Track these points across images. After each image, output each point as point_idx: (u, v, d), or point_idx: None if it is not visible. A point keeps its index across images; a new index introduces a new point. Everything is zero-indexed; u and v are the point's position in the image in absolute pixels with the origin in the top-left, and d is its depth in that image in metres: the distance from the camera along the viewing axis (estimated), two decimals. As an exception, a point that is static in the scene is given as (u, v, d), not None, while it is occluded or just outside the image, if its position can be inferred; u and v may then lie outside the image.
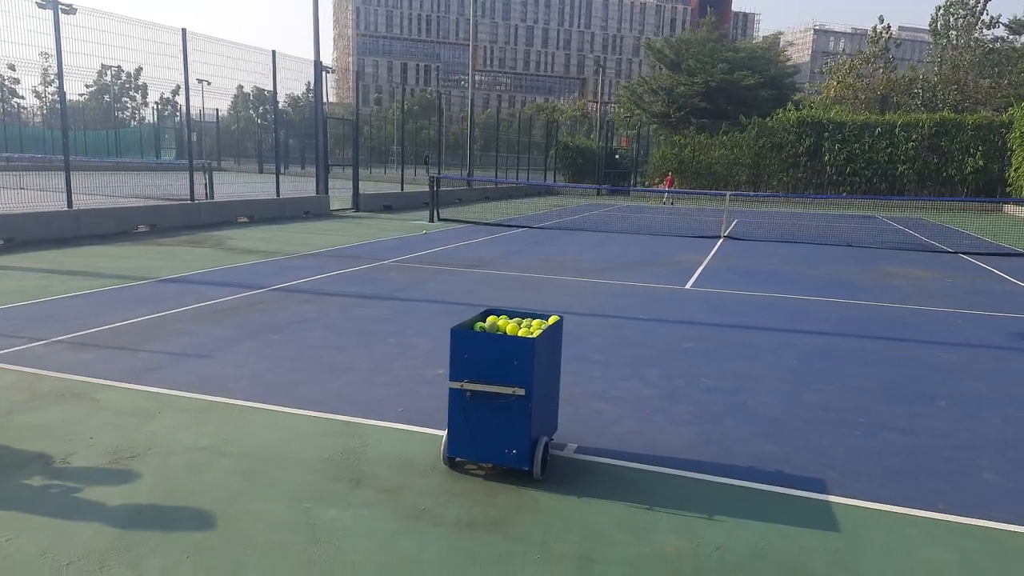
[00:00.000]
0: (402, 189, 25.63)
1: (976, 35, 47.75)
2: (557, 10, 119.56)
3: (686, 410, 4.98)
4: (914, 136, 35.86)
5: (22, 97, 54.34)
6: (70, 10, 13.13)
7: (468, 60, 34.37)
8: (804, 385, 5.65)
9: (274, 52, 18.36)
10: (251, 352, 6.02)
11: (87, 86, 51.86)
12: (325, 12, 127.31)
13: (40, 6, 12.80)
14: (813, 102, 46.70)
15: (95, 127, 51.88)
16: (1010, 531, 3.44)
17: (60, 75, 13.24)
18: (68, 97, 14.10)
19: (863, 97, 49.31)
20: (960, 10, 48.22)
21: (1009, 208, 31.82)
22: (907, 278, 11.69)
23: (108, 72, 55.85)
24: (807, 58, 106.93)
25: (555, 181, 41.50)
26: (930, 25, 50.04)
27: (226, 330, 6.73)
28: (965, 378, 6.01)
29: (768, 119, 38.84)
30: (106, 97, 56.95)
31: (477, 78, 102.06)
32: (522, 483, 3.77)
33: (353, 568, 2.95)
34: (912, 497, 3.76)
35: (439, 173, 24.24)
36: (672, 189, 33.98)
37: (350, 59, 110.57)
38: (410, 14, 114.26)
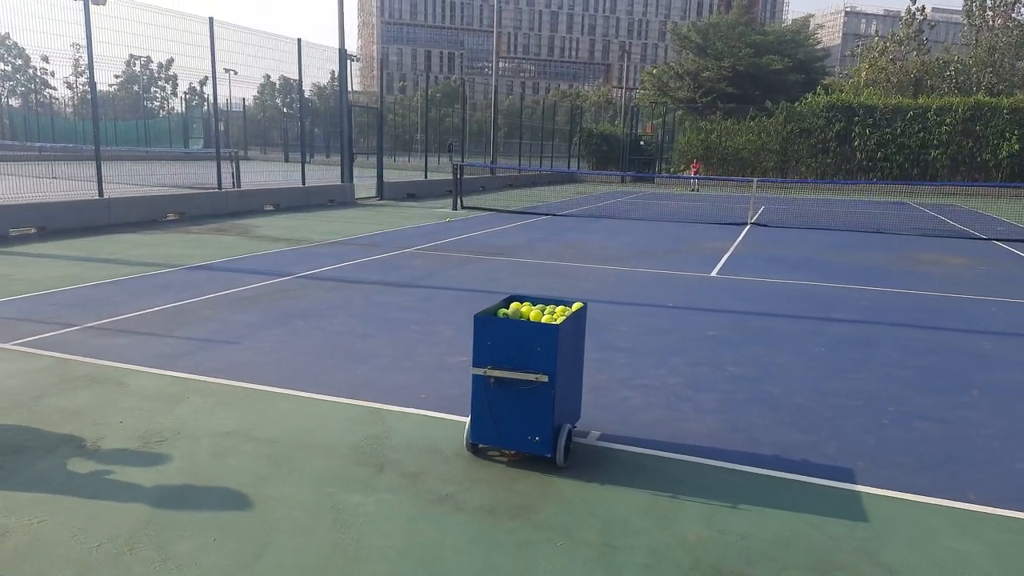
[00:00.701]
0: (426, 177, 25.67)
1: (1014, 16, 46.32)
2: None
3: (711, 398, 4.93)
4: (948, 120, 35.01)
5: (54, 88, 55.32)
6: (100, 1, 13.29)
7: (492, 47, 34.21)
8: (832, 373, 5.56)
9: (299, 40, 18.44)
10: (277, 338, 6.08)
11: (116, 76, 52.68)
12: (350, 0, 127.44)
13: (71, -3, 12.98)
14: (843, 86, 45.79)
15: (124, 117, 52.69)
16: (1045, 523, 3.35)
17: (91, 65, 13.43)
18: (98, 87, 14.30)
19: (895, 81, 48.15)
20: (997, -10, 46.80)
21: (1047, 194, 30.97)
22: (939, 265, 11.44)
23: (137, 62, 56.64)
24: (838, 41, 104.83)
25: (579, 168, 41.28)
26: (964, 6, 48.66)
27: (252, 317, 6.80)
28: (998, 367, 5.87)
29: (797, 104, 38.18)
30: (135, 87, 57.74)
31: (501, 65, 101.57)
32: (545, 470, 3.76)
33: (377, 552, 2.97)
34: (942, 487, 3.68)
35: (463, 161, 24.22)
36: (698, 175, 33.66)
37: (374, 47, 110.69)
38: (434, 1, 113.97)
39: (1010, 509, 3.47)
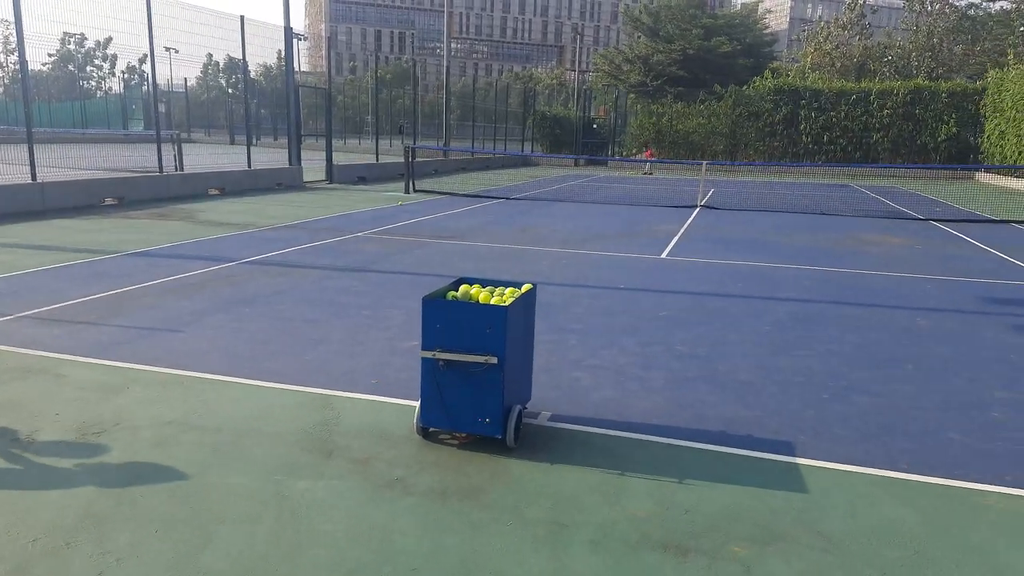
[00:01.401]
0: (377, 160, 25.32)
1: (951, 1, 47.85)
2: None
3: (660, 376, 5.01)
4: (889, 104, 36.05)
5: (-19, 67, 52.57)
6: (27, -26, 12.63)
7: (443, 27, 33.79)
8: (777, 351, 5.71)
9: (242, 17, 17.88)
10: (221, 325, 5.94)
11: (49, 55, 50.25)
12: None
13: (-5, -30, 12.31)
14: (790, 70, 46.73)
15: (60, 98, 50.45)
16: (973, 489, 3.51)
17: (20, 43, 12.80)
18: (30, 66, 13.63)
19: (839, 65, 49.38)
20: (935, -24, 48.24)
21: (981, 175, 32.26)
22: (879, 245, 11.83)
23: (71, 40, 54.20)
24: (785, 25, 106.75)
25: (533, 151, 41.25)
26: (905, -8, 50.06)
27: (196, 304, 6.63)
28: (933, 342, 6.11)
29: (745, 87, 38.79)
30: (70, 66, 55.30)
31: (453, 46, 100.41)
32: (495, 451, 3.78)
33: (325, 538, 2.94)
34: (878, 458, 3.83)
35: (415, 143, 23.95)
36: (652, 159, 34.05)
37: (323, 26, 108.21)
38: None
39: (940, 477, 3.63)
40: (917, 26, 48.12)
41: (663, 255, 10.29)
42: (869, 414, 4.44)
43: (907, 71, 45.55)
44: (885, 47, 49.61)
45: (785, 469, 3.68)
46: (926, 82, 37.26)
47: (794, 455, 3.83)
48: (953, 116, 35.19)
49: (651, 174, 33.60)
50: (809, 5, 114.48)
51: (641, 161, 34.61)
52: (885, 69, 47.10)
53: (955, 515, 3.27)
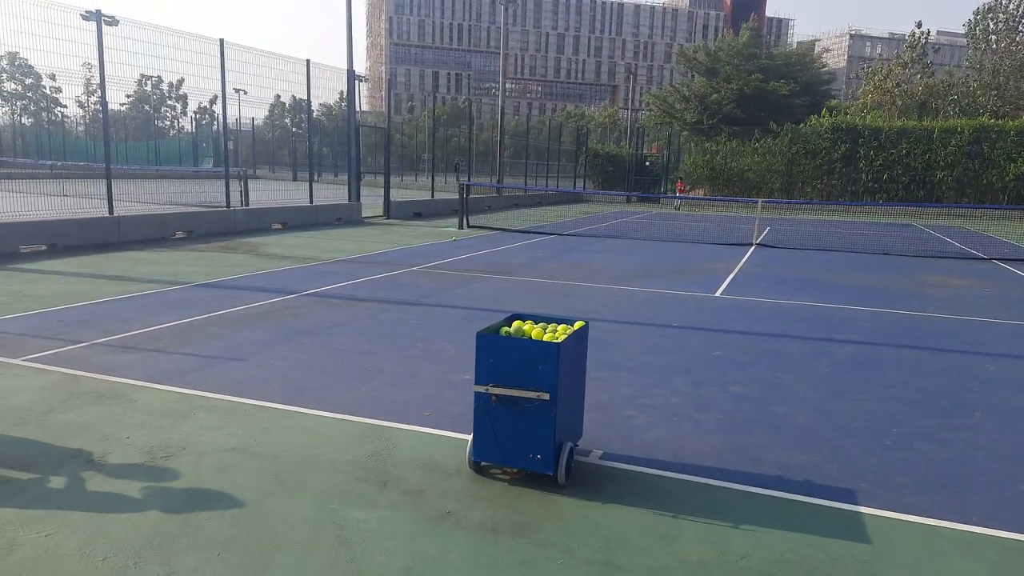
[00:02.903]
0: (432, 196, 25.84)
1: (1017, 39, 46.59)
2: (588, 17, 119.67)
3: (714, 418, 4.94)
4: (953, 142, 35.08)
5: (65, 106, 55.96)
6: (112, 21, 13.54)
7: (499, 68, 34.57)
8: (836, 394, 5.56)
9: (308, 61, 18.69)
10: (283, 355, 6.12)
11: (127, 96, 53.20)
12: (358, 21, 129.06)
13: (84, 18, 13.22)
14: (849, 108, 45.98)
15: (135, 136, 53.23)
16: (1048, 546, 3.35)
17: (103, 85, 13.65)
18: (109, 107, 14.51)
19: (900, 103, 48.39)
20: (1000, 14, 47.13)
21: (1053, 216, 30.92)
22: (943, 287, 11.44)
23: (148, 82, 57.34)
24: (843, 63, 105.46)
25: (585, 188, 41.45)
26: (967, 30, 48.97)
27: (258, 334, 6.85)
28: (1000, 388, 5.86)
29: (802, 125, 38.35)
30: (146, 107, 58.41)
31: (508, 86, 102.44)
32: (546, 488, 3.78)
33: (378, 569, 2.99)
34: (945, 509, 3.68)
35: (469, 180, 24.38)
36: (682, 195, 34.22)
37: (383, 68, 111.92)
38: (442, 23, 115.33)
39: (1012, 531, 3.47)
40: (982, 64, 46.92)
41: (717, 293, 10.17)
42: (935, 463, 4.28)
43: (972, 109, 44.31)
44: (948, 85, 48.42)
45: (846, 517, 3.57)
46: (992, 121, 36.16)
47: (855, 503, 3.72)
48: (1022, 155, 33.99)
49: (679, 210, 33.54)
50: (868, 44, 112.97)
51: (672, 197, 34.69)
52: (949, 107, 45.92)
53: (1029, 572, 3.12)
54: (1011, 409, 5.34)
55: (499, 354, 3.79)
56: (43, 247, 12.32)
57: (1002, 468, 4.23)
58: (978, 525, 3.53)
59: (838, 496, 3.80)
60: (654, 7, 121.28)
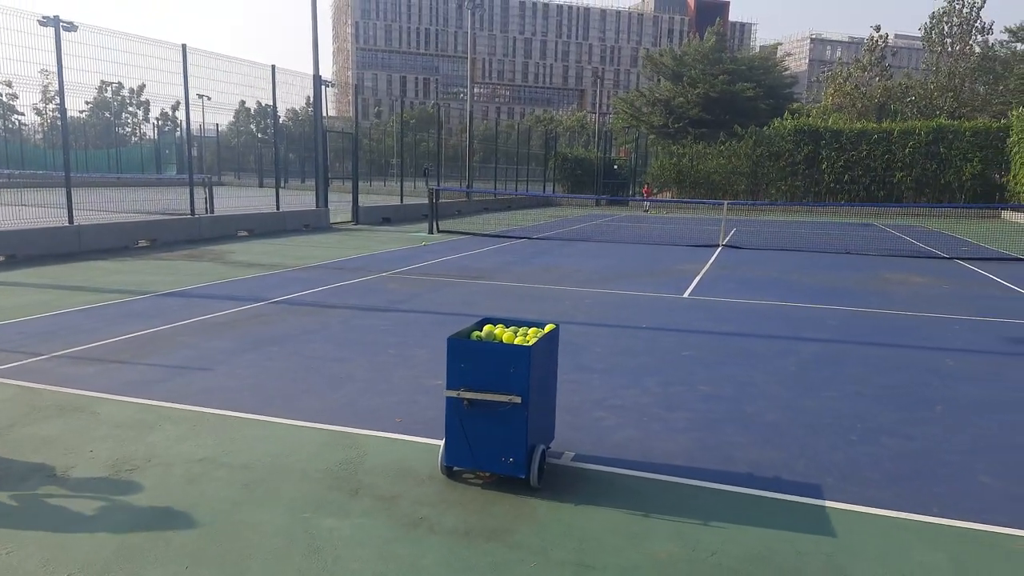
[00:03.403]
0: (401, 201, 25.73)
1: (971, 42, 48.00)
2: (555, 22, 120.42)
3: (684, 417, 5.00)
4: (911, 143, 36.00)
5: (22, 114, 54.59)
6: (71, 27, 13.25)
7: (467, 73, 34.57)
8: (803, 392, 5.67)
9: (273, 67, 18.50)
10: (251, 364, 6.05)
11: (87, 103, 52.14)
12: (324, 26, 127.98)
13: (42, 23, 12.92)
14: (811, 111, 46.91)
15: (96, 144, 52.11)
16: (1006, 534, 3.45)
17: (61, 92, 13.35)
18: (68, 113, 14.19)
19: (860, 106, 49.52)
20: (954, 18, 48.52)
21: (1007, 214, 31.89)
22: (904, 285, 11.73)
23: (108, 88, 56.18)
24: (804, 67, 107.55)
25: (554, 192, 41.64)
26: (923, 34, 50.32)
27: (226, 343, 6.76)
28: (960, 383, 6.03)
29: (765, 128, 39.03)
30: (106, 113, 57.24)
31: (476, 90, 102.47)
32: (519, 491, 3.79)
33: (351, 576, 2.97)
34: (908, 502, 3.77)
35: (438, 185, 24.34)
36: (649, 198, 34.82)
37: (349, 73, 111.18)
38: (409, 27, 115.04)
39: (972, 521, 3.57)
40: (938, 67, 48.24)
41: (685, 294, 10.29)
42: (899, 457, 4.39)
43: (929, 111, 45.52)
44: (906, 87, 49.69)
45: (813, 512, 3.65)
46: (949, 121, 37.19)
47: (822, 498, 3.80)
48: (978, 155, 35.01)
49: (648, 212, 34.11)
50: (828, 47, 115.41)
51: (647, 200, 35.20)
52: (907, 109, 47.11)
53: (987, 560, 3.21)
54: (970, 403, 5.49)
55: (470, 358, 3.79)
56: (1, 258, 12.00)
57: (962, 460, 4.36)
58: (938, 516, 3.62)
59: (806, 492, 3.87)
60: (620, 11, 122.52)
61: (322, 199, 21.14)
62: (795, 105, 48.10)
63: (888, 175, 36.62)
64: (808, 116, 42.48)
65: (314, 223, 20.05)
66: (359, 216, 22.10)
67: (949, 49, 48.62)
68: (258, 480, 3.85)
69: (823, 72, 62.62)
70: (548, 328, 4.17)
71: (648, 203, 35.36)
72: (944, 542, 3.37)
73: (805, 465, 4.22)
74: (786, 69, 54.20)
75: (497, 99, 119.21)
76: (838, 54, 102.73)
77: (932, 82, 48.29)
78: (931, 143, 35.81)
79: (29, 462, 4.01)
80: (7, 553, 3.07)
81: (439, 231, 19.41)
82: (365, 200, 23.87)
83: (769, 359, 6.69)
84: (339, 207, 22.33)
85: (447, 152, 47.74)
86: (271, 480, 3.86)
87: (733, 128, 39.77)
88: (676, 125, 43.38)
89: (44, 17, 12.93)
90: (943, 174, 35.81)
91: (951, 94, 46.50)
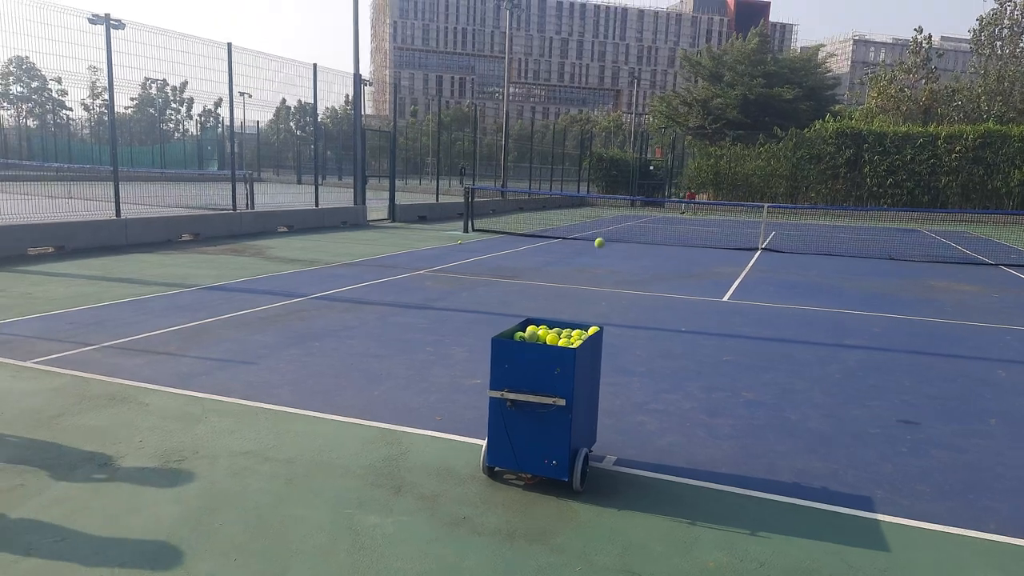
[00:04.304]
0: (437, 200, 25.86)
1: (1022, 46, 46.51)
2: (592, 22, 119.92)
3: (727, 424, 4.92)
4: (958, 148, 35.04)
5: (70, 109, 56.14)
6: (119, 25, 13.58)
7: (503, 72, 34.63)
8: (849, 400, 5.54)
9: (315, 65, 18.73)
10: (292, 359, 6.12)
11: (132, 99, 53.37)
12: (363, 26, 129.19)
13: (92, 22, 13.26)
14: (853, 113, 45.95)
15: (141, 140, 53.38)
16: (1068, 555, 3.32)
17: (111, 88, 13.68)
18: (115, 110, 14.53)
19: (904, 108, 48.32)
20: (1005, 20, 47.07)
21: (1059, 221, 30.86)
22: (951, 292, 11.41)
23: (152, 85, 57.50)
24: (847, 68, 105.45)
25: (589, 192, 41.48)
26: (972, 36, 48.91)
27: (268, 337, 6.85)
28: (1014, 395, 5.83)
29: (806, 130, 38.35)
30: (150, 109, 58.58)
31: (512, 90, 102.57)
32: (561, 494, 3.76)
33: (396, 574, 2.97)
34: (963, 516, 3.66)
35: (474, 184, 24.41)
36: (693, 200, 34.65)
37: (387, 72, 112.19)
38: (446, 27, 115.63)
39: (1032, 540, 3.44)
40: (986, 70, 46.85)
41: (725, 298, 10.15)
42: (952, 470, 4.25)
43: (976, 115, 44.22)
44: (953, 91, 48.35)
45: (864, 525, 3.55)
46: (997, 126, 36.11)
47: (873, 511, 3.69)
48: (1027, 161, 33.94)
49: (684, 214, 33.90)
50: (871, 49, 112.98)
51: (688, 202, 34.94)
52: (953, 113, 45.83)
53: (1051, 582, 3.09)
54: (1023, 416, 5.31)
55: (515, 359, 3.77)
56: (51, 249, 12.34)
57: (1018, 475, 4.21)
58: (995, 533, 3.50)
59: (855, 503, 3.77)
60: (658, 12, 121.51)
61: (360, 196, 21.34)
62: (837, 107, 47.14)
63: (933, 180, 35.70)
64: (850, 119, 41.58)
65: (351, 220, 20.24)
66: (395, 214, 22.26)
67: (999, 52, 47.18)
68: (301, 475, 3.89)
69: (866, 74, 61.26)
70: (592, 330, 4.14)
71: (688, 204, 35.18)
72: (1002, 560, 3.25)
73: (854, 476, 4.12)
74: (828, 71, 53.16)
75: (532, 99, 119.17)
76: (881, 56, 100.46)
77: (980, 85, 46.89)
78: (978, 148, 34.80)
79: (81, 450, 4.10)
80: (60, 541, 3.14)
81: (474, 230, 19.45)
82: (401, 198, 24.04)
83: (812, 366, 6.55)
84: (376, 205, 22.53)
85: (482, 151, 47.86)
86: (314, 475, 3.89)
87: (773, 130, 39.15)
88: (713, 126, 42.87)
89: (94, 15, 13.27)
90: (990, 180, 34.79)
91: (1000, 98, 45.09)
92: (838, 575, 3.09)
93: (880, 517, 3.63)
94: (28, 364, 5.73)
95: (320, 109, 20.28)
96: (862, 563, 3.19)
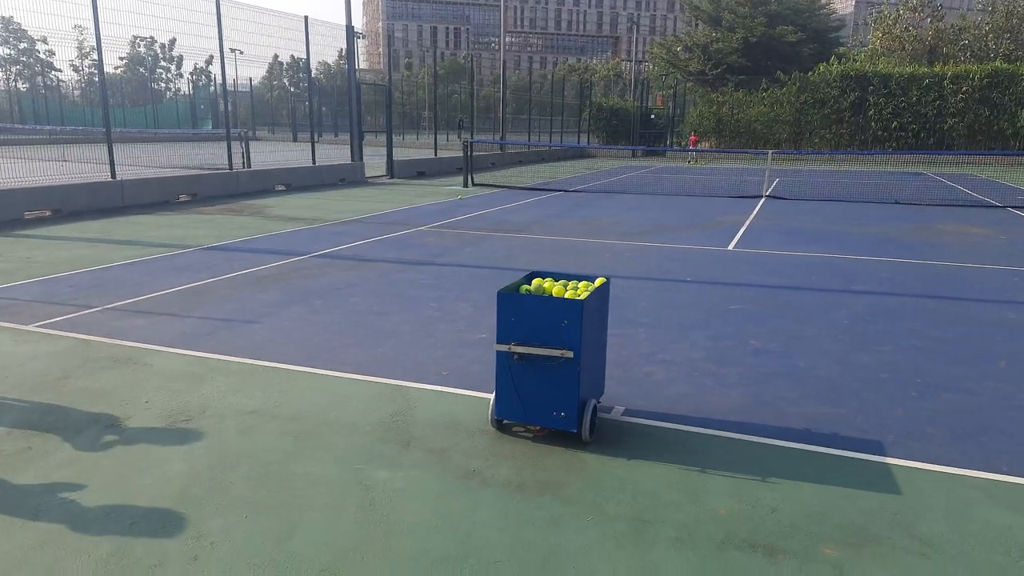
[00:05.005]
0: (435, 155, 25.52)
1: (1033, -21, 45.20)
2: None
3: (735, 372, 4.89)
4: (964, 88, 34.38)
5: (59, 70, 55.15)
6: (105, -20, 13.16)
7: (499, 21, 33.82)
8: (858, 346, 5.50)
9: (306, 18, 18.25)
10: (296, 317, 6.08)
11: (121, 58, 52.38)
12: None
13: (76, -23, 12.86)
14: (858, 55, 45.00)
15: (133, 100, 52.56)
16: (1081, 494, 3.31)
17: (99, 46, 13.35)
18: (105, 69, 14.22)
19: (910, 49, 47.25)
20: (1015, -48, 45.63)
21: (1066, 162, 30.47)
22: (958, 235, 11.29)
23: (140, 43, 56.37)
24: (851, 9, 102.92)
25: (589, 143, 40.94)
26: (982, -30, 47.52)
27: (271, 296, 6.80)
28: (1023, 336, 5.79)
29: (810, 74, 37.59)
30: (140, 69, 57.56)
31: (508, 39, 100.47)
32: (571, 445, 3.75)
33: (408, 528, 2.97)
34: (974, 458, 3.64)
35: (472, 138, 24.05)
36: (695, 148, 33.95)
37: (380, 24, 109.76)
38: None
39: (1045, 480, 3.43)
40: (994, 6, 45.64)
41: (730, 247, 10.05)
42: (963, 413, 4.23)
43: (984, 54, 43.25)
44: (959, 29, 47.19)
45: (875, 469, 3.54)
46: (1005, 65, 35.34)
47: (884, 455, 3.68)
48: (1035, 100, 33.32)
49: (693, 163, 33.37)
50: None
51: (691, 150, 34.38)
52: (960, 53, 44.83)
53: (1064, 521, 3.08)
54: (1035, 357, 5.27)
55: (521, 312, 3.71)
56: (48, 213, 12.23)
57: (1030, 417, 4.18)
58: (1007, 474, 3.49)
59: (866, 448, 3.76)
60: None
61: (357, 153, 21.05)
62: (841, 49, 46.12)
63: (939, 122, 35.13)
64: (855, 61, 40.76)
65: (349, 177, 20.01)
66: (394, 170, 22.00)
67: (1008, -14, 45.87)
68: (309, 432, 3.87)
69: (870, 14, 59.74)
70: (599, 282, 4.07)
71: (694, 152, 34.61)
72: (1017, 501, 3.24)
73: (863, 421, 4.10)
74: (832, 12, 51.83)
75: (529, 48, 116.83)
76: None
77: (987, 23, 45.74)
78: (985, 88, 34.13)
79: (87, 411, 4.09)
80: (70, 501, 3.14)
81: (474, 184, 19.23)
82: (399, 154, 23.73)
83: (820, 313, 6.50)
84: (373, 161, 22.24)
85: (479, 104, 47.09)
86: (322, 432, 3.87)
87: (775, 74, 38.39)
88: (714, 72, 42.00)
89: (78, -30, 12.86)
90: (996, 121, 34.22)
91: (1008, 36, 44.03)
92: (850, 519, 3.08)
93: (891, 461, 3.62)
94: (30, 328, 5.69)
95: (313, 64, 19.85)
96: (874, 507, 3.18)
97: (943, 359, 5.21)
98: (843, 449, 3.75)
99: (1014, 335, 5.85)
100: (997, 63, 36.33)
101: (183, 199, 14.83)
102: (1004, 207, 15.27)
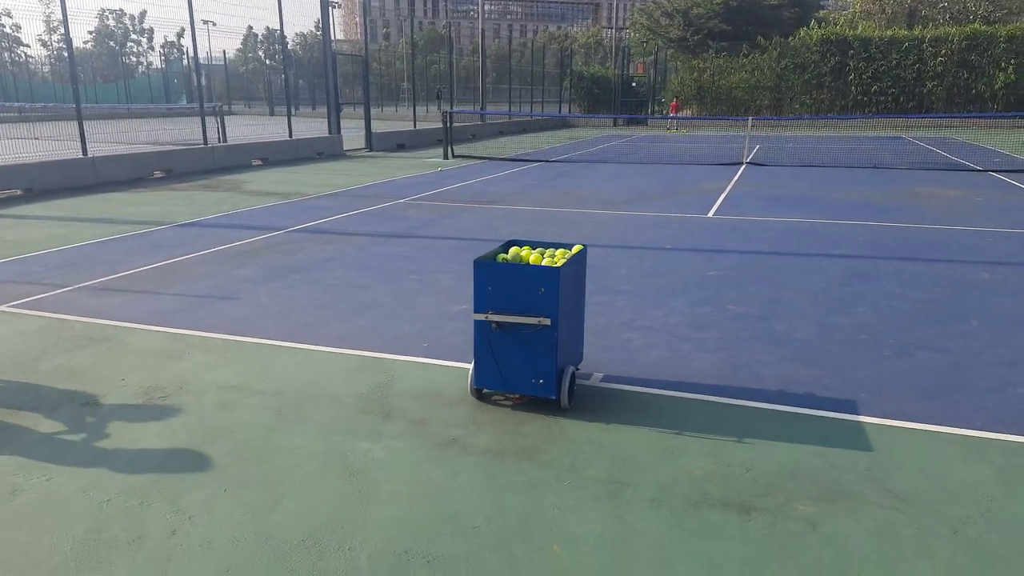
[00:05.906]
0: (415, 126, 25.24)
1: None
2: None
3: (713, 337, 4.93)
4: (943, 51, 34.41)
5: (27, 46, 53.70)
6: (67, -50, 12.76)
7: (477, -11, 33.24)
8: (834, 309, 5.56)
9: (278, -13, 17.85)
10: (275, 292, 6.03)
11: (90, 32, 51.12)
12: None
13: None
14: (837, 19, 44.81)
15: (104, 76, 51.39)
16: (1048, 446, 3.38)
17: (65, 18, 13.00)
18: (73, 43, 13.86)
19: (889, 11, 47.11)
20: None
21: (1042, 123, 30.71)
22: (936, 198, 11.39)
23: (109, 16, 54.96)
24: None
25: (570, 112, 40.65)
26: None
27: (248, 271, 6.74)
28: (996, 295, 5.88)
29: (790, 39, 37.42)
30: (111, 43, 56.17)
31: (487, 7, 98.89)
32: (550, 412, 3.77)
33: (389, 497, 2.98)
34: (947, 415, 3.71)
35: (452, 108, 23.77)
36: (676, 115, 33.75)
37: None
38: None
39: (1015, 434, 3.50)
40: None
41: (710, 214, 10.07)
42: (936, 371, 4.30)
43: (963, 16, 43.22)
44: (939, -10, 47.06)
45: (849, 428, 3.60)
46: (983, 27, 35.35)
47: (857, 413, 3.74)
48: (1012, 62, 33.41)
49: (674, 131, 33.21)
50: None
51: (672, 117, 34.25)
52: (939, 15, 44.76)
53: (1031, 473, 3.16)
54: (1008, 315, 5.36)
55: (498, 281, 3.70)
56: (19, 192, 11.98)
57: (1001, 373, 4.26)
58: (980, 430, 3.56)
59: (840, 408, 3.82)
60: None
61: (334, 126, 20.76)
62: (821, 13, 45.92)
63: (918, 85, 35.18)
64: (835, 25, 40.57)
65: (328, 150, 19.76)
66: (372, 143, 21.75)
67: (987, -53, 45.70)
68: (290, 406, 3.87)
69: (851, -23, 59.38)
70: (576, 249, 4.06)
71: (673, 120, 34.40)
72: (989, 455, 3.31)
73: (838, 381, 4.16)
74: (812, -26, 51.44)
75: (509, 16, 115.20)
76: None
77: (967, -17, 45.65)
78: (964, 50, 34.17)
79: (63, 390, 4.05)
80: (47, 480, 3.12)
81: (454, 156, 19.08)
82: (378, 126, 23.43)
83: (798, 277, 6.55)
84: (352, 134, 21.96)
85: (459, 74, 46.48)
86: (303, 406, 3.87)
87: (756, 40, 38.16)
88: (695, 37, 41.67)
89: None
90: (975, 84, 34.32)
91: (987, -4, 44.00)
92: (823, 476, 3.13)
93: (864, 419, 3.68)
94: (2, 308, 5.61)
95: (289, 35, 19.49)
96: (846, 464, 3.24)
97: (918, 319, 5.28)
98: (818, 409, 3.80)
99: (987, 294, 5.94)
100: (976, 25, 36.32)
101: (157, 175, 14.58)
102: (984, 171, 15.39)
